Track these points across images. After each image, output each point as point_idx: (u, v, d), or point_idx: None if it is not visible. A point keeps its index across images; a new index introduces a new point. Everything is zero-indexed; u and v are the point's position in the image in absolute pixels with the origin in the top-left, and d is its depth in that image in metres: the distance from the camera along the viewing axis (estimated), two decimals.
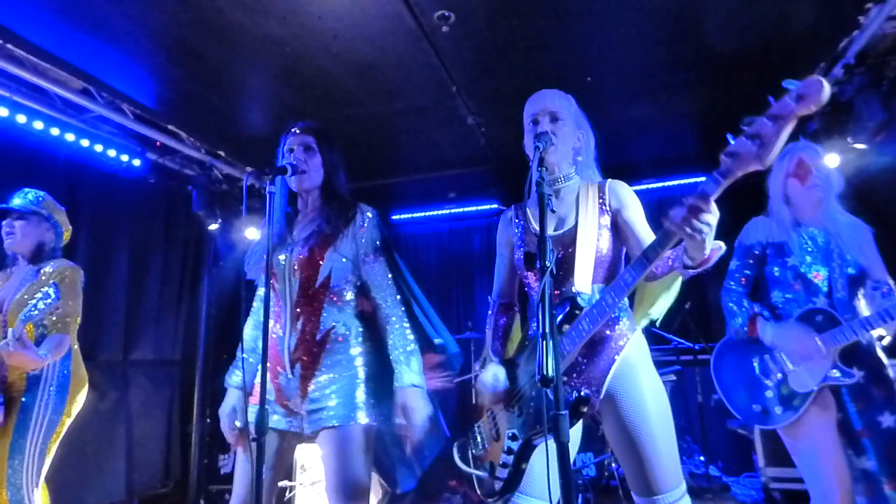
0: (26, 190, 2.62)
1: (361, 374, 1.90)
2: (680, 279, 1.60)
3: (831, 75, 3.67)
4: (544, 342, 1.12)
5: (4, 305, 2.46)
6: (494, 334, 1.93)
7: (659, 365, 4.64)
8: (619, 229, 1.76)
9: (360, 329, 1.96)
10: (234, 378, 1.98)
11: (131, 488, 4.40)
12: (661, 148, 4.95)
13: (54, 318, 2.40)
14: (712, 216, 1.34)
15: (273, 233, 1.77)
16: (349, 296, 1.97)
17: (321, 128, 2.07)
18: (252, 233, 4.75)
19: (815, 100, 1.17)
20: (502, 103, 3.96)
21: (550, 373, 1.09)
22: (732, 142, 1.29)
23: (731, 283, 2.34)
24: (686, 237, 1.37)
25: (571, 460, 1.29)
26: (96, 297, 4.07)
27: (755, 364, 2.26)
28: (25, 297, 2.43)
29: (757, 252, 2.32)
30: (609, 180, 1.82)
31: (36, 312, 2.25)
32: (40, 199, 2.61)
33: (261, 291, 2.08)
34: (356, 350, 1.92)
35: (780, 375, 2.16)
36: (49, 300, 2.25)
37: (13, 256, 2.61)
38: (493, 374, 1.76)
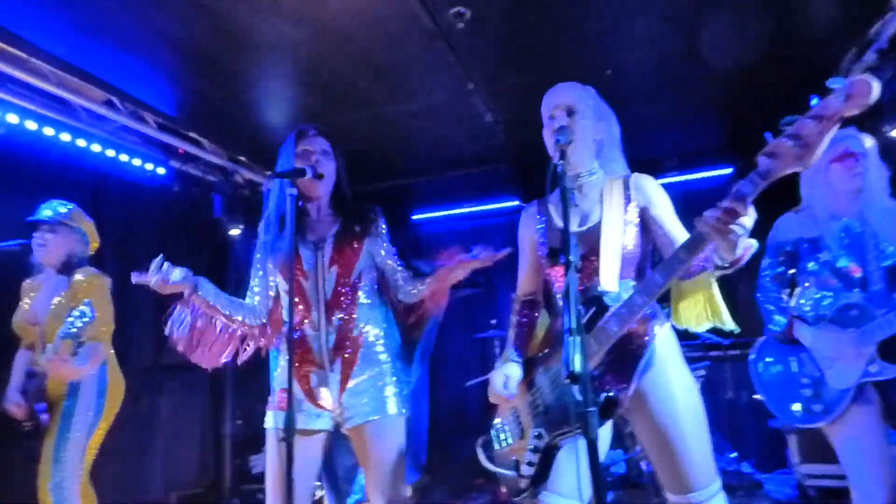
0: (55, 202, 2.69)
1: (389, 366, 1.98)
2: (714, 280, 1.55)
3: (863, 61, 3.54)
4: (571, 338, 1.10)
5: (39, 316, 2.54)
6: (517, 332, 1.90)
7: (688, 361, 4.59)
8: (647, 226, 1.72)
9: (384, 325, 2.05)
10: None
11: (168, 488, 4.49)
12: (683, 141, 4.86)
13: (88, 330, 2.47)
14: (748, 218, 1.30)
15: (290, 232, 1.79)
16: (374, 292, 2.05)
17: (331, 132, 2.12)
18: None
19: (863, 100, 1.12)
20: (520, 99, 3.93)
21: (578, 369, 1.07)
22: (770, 141, 1.25)
23: (766, 282, 2.28)
24: (719, 239, 1.33)
25: (601, 458, 1.27)
26: (126, 305, 4.11)
27: (793, 364, 2.20)
28: (60, 308, 2.52)
29: (790, 249, 2.25)
30: (634, 174, 1.78)
31: (74, 330, 2.33)
32: (69, 210, 2.68)
33: (256, 288, 2.08)
34: (384, 344, 2.00)
35: (818, 374, 2.11)
36: (86, 318, 2.35)
37: (41, 266, 2.68)
38: (503, 375, 1.73)
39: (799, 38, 3.38)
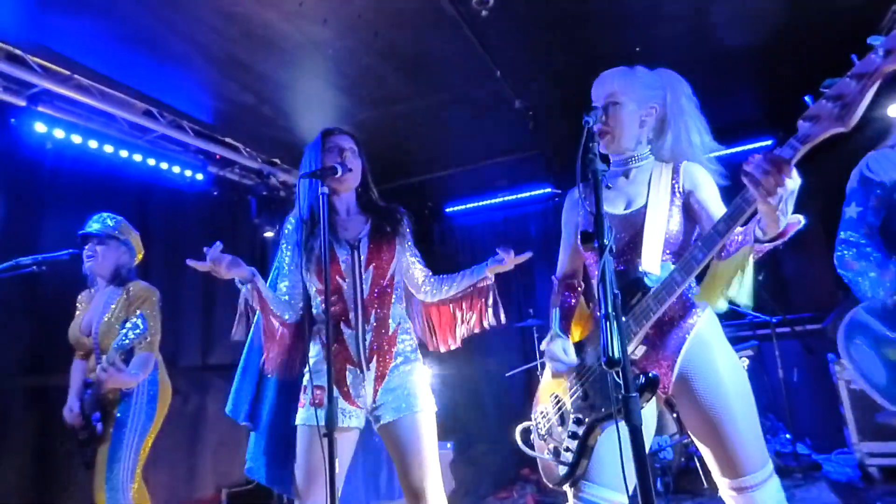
0: (104, 215, 2.81)
1: (420, 363, 2.04)
2: (752, 256, 1.47)
3: None
4: (608, 323, 1.08)
5: (93, 328, 2.66)
6: (560, 313, 1.86)
7: (735, 341, 4.48)
8: (692, 211, 1.69)
9: (409, 323, 2.12)
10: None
11: (218, 485, 4.62)
12: (719, 115, 4.69)
13: (139, 341, 2.58)
14: (792, 181, 1.23)
15: (324, 231, 1.80)
16: (403, 291, 2.12)
17: (360, 130, 2.20)
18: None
19: None
20: (549, 84, 3.87)
21: (616, 354, 1.06)
22: (811, 105, 1.20)
23: (852, 234, 1.91)
24: (761, 200, 1.27)
25: (647, 445, 1.25)
26: (174, 309, 4.28)
27: None
28: (112, 319, 2.64)
29: (880, 193, 1.87)
30: (685, 162, 1.75)
31: (127, 342, 2.43)
32: (117, 223, 2.80)
33: (283, 286, 2.08)
34: (411, 341, 2.06)
35: None
36: (138, 330, 2.43)
37: (93, 277, 2.81)
38: (561, 346, 1.72)
39: (833, 4, 3.22)
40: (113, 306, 2.67)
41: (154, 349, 2.67)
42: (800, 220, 1.35)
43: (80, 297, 2.86)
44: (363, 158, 2.13)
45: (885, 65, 1.10)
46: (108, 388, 2.52)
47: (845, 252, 1.93)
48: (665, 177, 1.72)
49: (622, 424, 1.08)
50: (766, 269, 4.25)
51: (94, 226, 2.74)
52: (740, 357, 4.38)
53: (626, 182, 1.78)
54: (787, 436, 4.29)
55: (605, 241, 1.18)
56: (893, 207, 1.92)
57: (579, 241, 1.79)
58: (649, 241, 1.63)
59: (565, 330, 1.82)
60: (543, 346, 1.79)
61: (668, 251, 1.65)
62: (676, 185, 1.70)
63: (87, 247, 2.73)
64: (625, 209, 1.74)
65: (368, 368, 1.94)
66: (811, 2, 3.24)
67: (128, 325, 2.44)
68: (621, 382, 1.06)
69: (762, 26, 3.47)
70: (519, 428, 1.83)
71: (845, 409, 3.77)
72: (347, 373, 1.94)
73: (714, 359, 1.60)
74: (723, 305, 1.53)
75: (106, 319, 2.64)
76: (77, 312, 2.82)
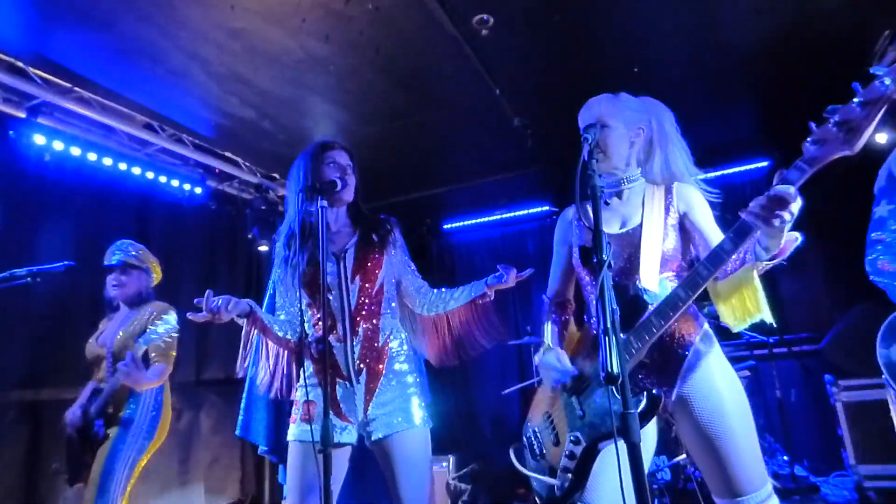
0: (126, 243, 2.90)
1: (413, 378, 1.98)
2: (756, 272, 1.49)
3: None
4: (606, 338, 1.08)
5: (108, 343, 2.72)
6: (553, 332, 1.87)
7: (732, 361, 4.45)
8: (686, 231, 1.71)
9: (404, 335, 2.06)
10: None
11: (210, 501, 4.56)
12: (716, 135, 4.75)
13: (162, 346, 2.65)
14: (795, 205, 1.28)
15: (323, 244, 1.79)
16: (394, 303, 2.06)
17: (358, 146, 2.20)
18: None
19: None
20: (547, 102, 3.91)
21: (616, 370, 1.05)
22: (815, 130, 1.26)
23: (884, 234, 1.81)
24: (764, 227, 1.31)
25: (646, 464, 1.23)
26: None
27: None
28: (130, 331, 2.69)
29: None
30: (677, 183, 1.77)
31: (155, 336, 2.49)
32: (138, 252, 2.90)
33: (279, 302, 2.07)
34: (406, 354, 2.00)
35: None
36: (168, 326, 2.52)
37: (114, 304, 2.89)
38: (555, 356, 1.71)
39: (830, 24, 3.27)
40: (132, 320, 2.75)
41: (169, 364, 2.70)
42: (797, 237, 1.37)
43: (101, 323, 2.91)
44: (358, 173, 2.12)
45: (889, 92, 1.16)
46: (125, 385, 2.54)
47: (879, 257, 1.87)
48: (658, 197, 1.74)
49: (621, 443, 1.07)
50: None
51: (116, 256, 2.84)
52: (742, 369, 4.37)
53: (619, 202, 1.80)
54: (785, 457, 4.26)
55: (605, 257, 1.18)
56: None
57: (578, 257, 1.79)
58: (646, 258, 1.64)
59: (558, 345, 1.82)
60: (536, 359, 1.78)
61: (664, 269, 1.66)
62: (671, 206, 1.72)
63: (111, 276, 2.83)
64: (620, 228, 1.75)
65: (358, 382, 1.90)
66: (806, 26, 3.29)
67: (157, 321, 2.53)
68: (621, 398, 1.06)
69: (758, 48, 3.52)
70: (512, 448, 1.80)
71: (843, 430, 3.74)
72: (338, 387, 1.92)
73: (713, 378, 1.59)
74: (744, 326, 1.53)
75: (121, 335, 2.70)
76: (96, 333, 2.86)
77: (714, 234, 1.65)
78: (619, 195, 1.80)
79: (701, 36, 3.40)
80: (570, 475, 1.60)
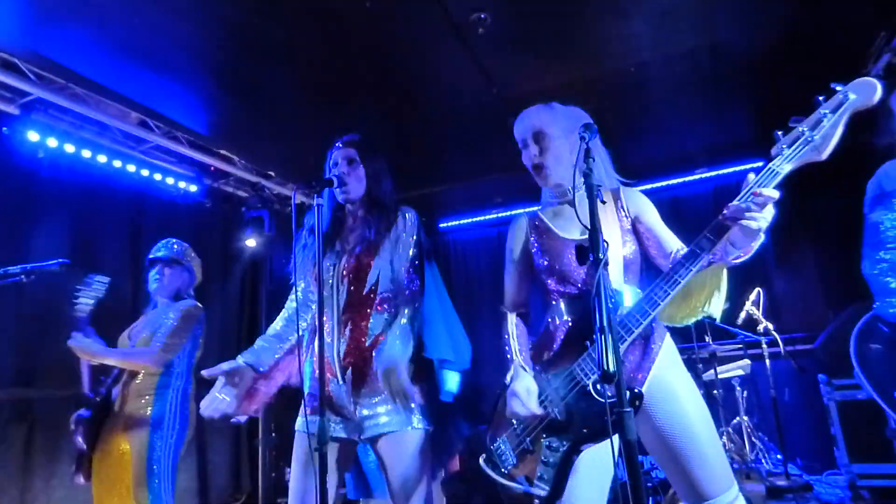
0: (171, 240, 2.93)
1: (406, 379, 1.87)
2: (725, 271, 1.51)
3: (893, 45, 3.46)
4: (602, 337, 1.08)
5: (135, 338, 2.74)
6: (519, 344, 1.82)
7: (726, 360, 4.48)
8: (638, 234, 1.75)
9: (401, 335, 1.93)
10: (242, 357, 2.02)
11: (204, 500, 4.55)
12: (713, 136, 4.77)
13: (166, 330, 2.67)
14: (771, 206, 1.36)
15: (319, 241, 1.80)
16: (391, 301, 1.98)
17: (363, 140, 2.12)
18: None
19: (867, 100, 1.27)
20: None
21: (612, 368, 1.05)
22: (781, 138, 1.37)
23: (885, 250, 1.84)
24: (748, 227, 1.36)
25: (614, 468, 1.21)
26: None
27: None
28: (153, 328, 2.72)
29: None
30: (622, 187, 1.80)
31: (168, 320, 2.66)
32: (182, 248, 2.93)
33: (299, 294, 2.09)
34: (400, 355, 1.90)
35: None
36: (169, 321, 2.65)
37: (152, 301, 2.89)
38: (524, 390, 1.64)
39: (826, 25, 3.29)
40: (162, 316, 2.75)
41: (167, 348, 2.66)
42: (763, 235, 1.41)
43: (136, 322, 2.91)
44: (373, 165, 2.07)
45: (852, 106, 1.29)
46: (134, 390, 2.61)
47: (874, 261, 1.91)
48: (609, 202, 1.75)
49: (608, 441, 1.07)
50: (757, 288, 4.27)
51: (161, 251, 2.87)
52: (736, 368, 4.39)
53: (571, 210, 1.76)
54: (779, 456, 4.28)
55: (601, 256, 1.18)
56: None
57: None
58: (611, 262, 1.64)
59: (531, 359, 1.78)
60: (508, 378, 1.72)
61: (627, 273, 1.67)
62: (621, 209, 1.75)
63: (153, 270, 2.85)
64: (580, 235, 1.74)
65: (344, 380, 1.89)
66: (804, 27, 3.31)
67: (176, 312, 2.65)
68: (615, 396, 1.06)
69: (755, 49, 3.53)
70: (482, 457, 1.73)
71: (836, 429, 3.77)
72: (330, 383, 1.91)
73: (673, 383, 1.58)
74: (689, 322, 1.57)
75: (147, 335, 2.70)
76: (130, 327, 2.86)
77: (667, 236, 1.69)
78: (571, 203, 1.77)
79: (699, 38, 3.41)
80: (549, 482, 1.57)
